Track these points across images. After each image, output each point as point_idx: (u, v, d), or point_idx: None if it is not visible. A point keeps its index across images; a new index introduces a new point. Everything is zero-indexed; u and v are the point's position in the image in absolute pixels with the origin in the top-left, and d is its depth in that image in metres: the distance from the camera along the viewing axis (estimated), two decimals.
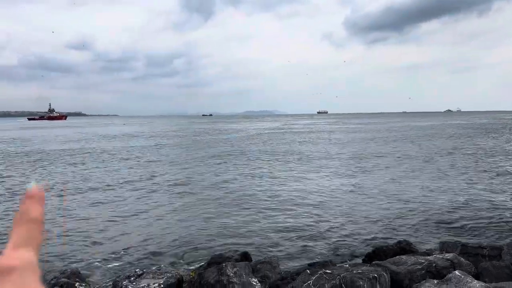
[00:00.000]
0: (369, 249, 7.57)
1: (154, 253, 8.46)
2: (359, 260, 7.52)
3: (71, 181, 17.51)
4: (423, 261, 5.90)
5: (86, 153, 29.84)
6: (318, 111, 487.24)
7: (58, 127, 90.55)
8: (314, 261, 6.81)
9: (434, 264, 5.81)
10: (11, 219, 11.18)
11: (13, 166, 22.36)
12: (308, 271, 5.38)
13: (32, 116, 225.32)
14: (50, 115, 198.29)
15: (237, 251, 7.57)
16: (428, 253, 7.05)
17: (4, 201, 13.61)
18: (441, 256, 6.12)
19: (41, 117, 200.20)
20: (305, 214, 11.42)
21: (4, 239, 9.44)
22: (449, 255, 6.11)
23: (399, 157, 24.40)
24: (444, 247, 7.24)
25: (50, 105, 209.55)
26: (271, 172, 19.43)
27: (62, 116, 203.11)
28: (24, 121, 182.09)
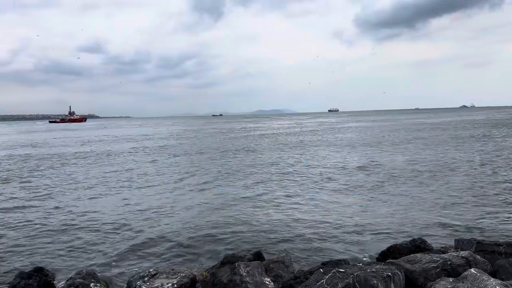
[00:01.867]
0: (383, 248, 7.50)
1: (167, 254, 8.53)
2: (373, 259, 7.46)
3: (83, 181, 17.78)
4: (438, 259, 5.81)
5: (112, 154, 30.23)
6: (329, 109, 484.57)
7: (87, 129, 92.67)
8: (328, 259, 6.77)
9: (449, 262, 5.72)
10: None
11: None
12: (322, 270, 5.35)
13: (53, 119, 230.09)
14: (71, 118, 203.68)
15: (250, 250, 7.58)
16: (443, 251, 6.95)
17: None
18: (456, 254, 6.02)
19: (62, 120, 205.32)
20: (319, 213, 11.38)
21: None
22: (464, 253, 6.00)
23: (412, 155, 24.12)
24: (459, 244, 7.12)
25: (70, 108, 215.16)
26: (285, 172, 19.40)
27: (83, 119, 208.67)
28: (44, 124, 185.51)
